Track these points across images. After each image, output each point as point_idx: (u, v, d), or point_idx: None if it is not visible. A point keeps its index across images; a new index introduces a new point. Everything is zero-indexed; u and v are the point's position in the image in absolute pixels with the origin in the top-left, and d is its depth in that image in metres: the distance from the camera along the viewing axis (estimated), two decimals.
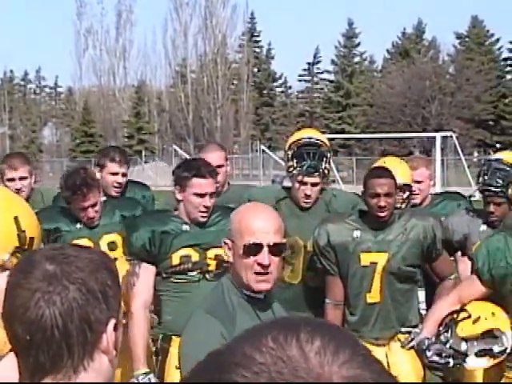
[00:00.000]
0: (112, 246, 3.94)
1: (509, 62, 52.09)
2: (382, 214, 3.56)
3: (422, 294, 4.21)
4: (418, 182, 4.50)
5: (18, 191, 4.28)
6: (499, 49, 52.28)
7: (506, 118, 48.06)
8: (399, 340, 3.65)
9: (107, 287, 1.26)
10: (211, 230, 3.48)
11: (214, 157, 4.20)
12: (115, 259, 3.87)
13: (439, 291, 3.77)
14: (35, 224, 2.04)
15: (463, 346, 3.20)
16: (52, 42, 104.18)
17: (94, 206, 3.81)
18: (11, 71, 63.88)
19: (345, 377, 0.60)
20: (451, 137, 27.73)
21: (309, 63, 58.12)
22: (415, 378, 3.61)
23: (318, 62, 57.89)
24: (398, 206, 4.14)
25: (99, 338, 1.24)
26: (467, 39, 52.25)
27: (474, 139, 47.09)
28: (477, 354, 3.19)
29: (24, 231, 1.92)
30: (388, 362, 3.58)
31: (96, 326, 1.23)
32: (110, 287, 1.26)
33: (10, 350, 1.32)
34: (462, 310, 3.25)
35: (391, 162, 4.28)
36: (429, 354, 3.26)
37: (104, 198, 4.09)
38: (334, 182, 23.81)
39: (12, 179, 4.52)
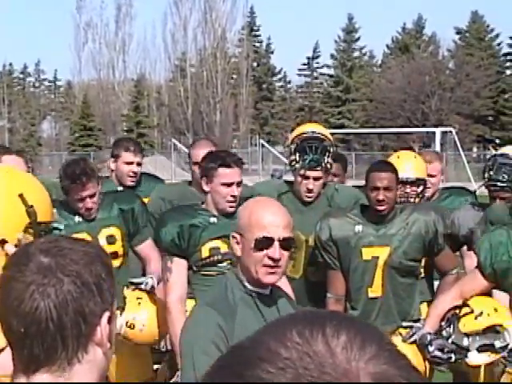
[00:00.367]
0: (111, 239, 3.92)
1: (509, 58, 52.10)
2: (381, 208, 3.56)
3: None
4: (432, 176, 4.49)
5: None
6: (499, 44, 52.28)
7: (506, 113, 48.07)
8: (400, 334, 3.65)
9: (102, 280, 1.27)
10: None
11: (204, 153, 4.20)
12: (115, 253, 3.87)
13: (441, 286, 3.78)
14: (43, 196, 2.03)
15: (465, 342, 3.20)
16: (51, 35, 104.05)
17: (92, 196, 3.80)
18: (10, 64, 63.90)
19: (371, 373, 0.59)
20: (451, 132, 27.77)
21: (308, 58, 58.14)
22: None
23: (318, 56, 57.93)
24: (412, 200, 4.14)
25: (93, 330, 1.25)
26: (467, 34, 52.21)
27: (474, 135, 47.11)
28: (478, 350, 3.19)
29: (32, 206, 1.91)
30: None
31: (90, 318, 1.24)
32: (104, 280, 1.27)
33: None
34: (465, 305, 3.24)
35: (405, 156, 4.27)
36: (431, 348, 3.26)
37: (120, 188, 4.12)
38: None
39: None
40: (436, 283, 4.06)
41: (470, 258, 3.98)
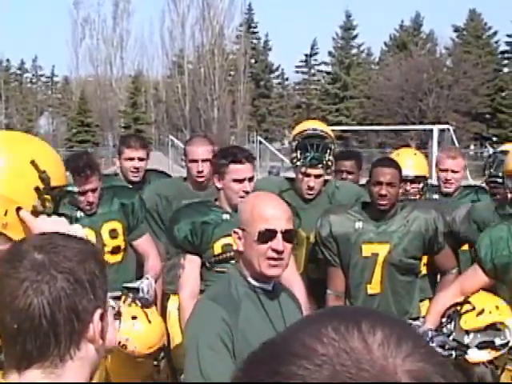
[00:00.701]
0: (113, 234, 3.93)
1: (506, 56, 52.08)
2: (383, 202, 3.57)
3: None
4: (455, 172, 4.45)
5: None
6: (496, 42, 52.28)
7: (503, 111, 48.07)
8: None
9: (95, 277, 1.27)
10: None
11: (200, 151, 4.20)
12: (118, 247, 3.88)
13: (441, 285, 3.79)
14: (55, 160, 2.01)
15: (466, 339, 3.20)
16: (49, 31, 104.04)
17: (94, 190, 3.81)
18: (7, 60, 63.70)
19: (409, 370, 0.59)
20: (448, 130, 27.74)
21: (306, 55, 58.06)
22: None
23: (316, 53, 57.84)
24: (413, 197, 4.15)
25: (86, 327, 1.26)
26: (465, 32, 52.20)
27: (471, 132, 47.10)
28: (478, 347, 3.20)
29: (44, 171, 1.89)
30: None
31: (83, 315, 1.25)
32: (97, 277, 1.28)
33: None
34: (466, 302, 3.24)
35: (405, 154, 4.28)
36: (432, 345, 3.27)
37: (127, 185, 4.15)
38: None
39: None
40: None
41: None
